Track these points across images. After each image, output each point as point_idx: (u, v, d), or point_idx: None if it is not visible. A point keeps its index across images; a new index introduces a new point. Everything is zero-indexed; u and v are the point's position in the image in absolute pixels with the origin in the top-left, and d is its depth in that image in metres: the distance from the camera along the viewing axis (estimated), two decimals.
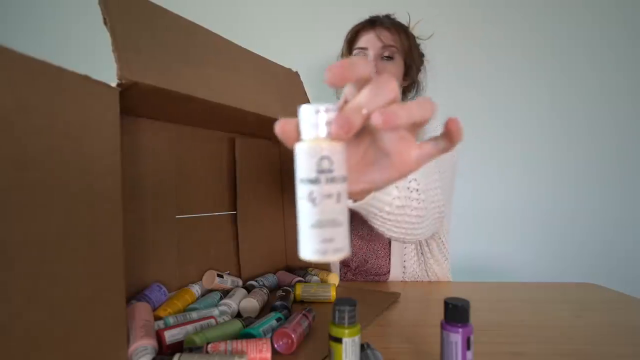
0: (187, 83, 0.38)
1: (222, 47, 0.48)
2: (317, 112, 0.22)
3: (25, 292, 0.23)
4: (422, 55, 0.94)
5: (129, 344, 0.35)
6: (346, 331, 0.33)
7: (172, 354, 0.33)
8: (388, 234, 0.53)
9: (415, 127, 0.25)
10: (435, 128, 0.79)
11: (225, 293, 0.54)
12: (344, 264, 0.84)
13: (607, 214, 1.23)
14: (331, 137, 0.22)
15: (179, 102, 0.41)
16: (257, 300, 0.50)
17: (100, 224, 0.28)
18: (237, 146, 0.62)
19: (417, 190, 0.52)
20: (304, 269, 0.69)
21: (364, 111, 0.22)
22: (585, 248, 1.23)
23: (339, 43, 0.94)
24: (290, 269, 0.71)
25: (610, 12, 1.22)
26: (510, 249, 1.25)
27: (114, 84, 0.31)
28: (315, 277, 0.64)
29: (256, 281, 0.59)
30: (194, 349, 0.35)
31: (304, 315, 0.44)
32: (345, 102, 0.25)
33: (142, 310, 0.40)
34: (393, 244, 0.80)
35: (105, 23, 0.33)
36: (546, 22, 1.23)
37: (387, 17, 0.89)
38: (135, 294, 0.46)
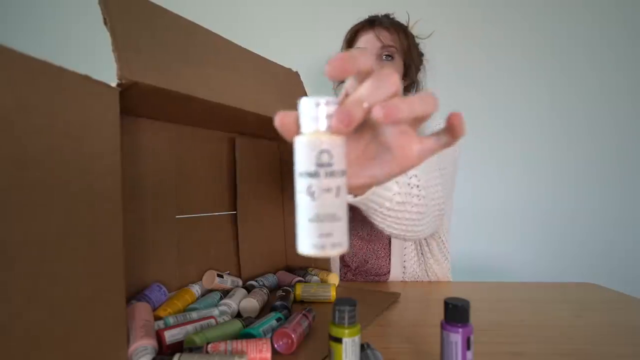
0: (187, 83, 0.38)
1: (222, 47, 0.48)
2: (318, 105, 0.22)
3: (25, 292, 0.23)
4: (421, 54, 0.94)
5: (129, 344, 0.35)
6: (346, 331, 0.33)
7: (172, 354, 0.33)
8: (388, 230, 0.53)
9: (417, 122, 0.25)
10: (436, 125, 0.79)
11: (225, 293, 0.54)
12: (344, 264, 0.84)
13: (607, 214, 1.23)
14: (331, 130, 0.21)
15: (179, 102, 0.41)
16: (257, 300, 0.50)
17: (100, 224, 0.28)
18: (237, 146, 0.62)
19: (418, 186, 0.52)
20: (304, 269, 0.69)
21: (365, 104, 0.22)
22: (585, 248, 1.23)
23: (339, 43, 0.94)
24: (290, 269, 0.71)
25: (610, 12, 1.22)
26: (510, 249, 1.25)
27: (114, 84, 0.31)
28: (315, 277, 0.64)
29: (256, 281, 0.59)
30: (194, 349, 0.35)
31: (304, 315, 0.44)
32: (346, 95, 0.25)
33: (142, 310, 0.40)
34: (393, 244, 0.80)
35: (105, 23, 0.33)
36: (546, 21, 1.23)
37: (386, 16, 0.89)
38: (135, 294, 0.46)
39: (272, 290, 0.62)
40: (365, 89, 0.22)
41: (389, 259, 0.80)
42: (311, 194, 0.21)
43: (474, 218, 1.25)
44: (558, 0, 1.23)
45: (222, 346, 0.35)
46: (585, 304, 0.59)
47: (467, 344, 0.33)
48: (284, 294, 0.52)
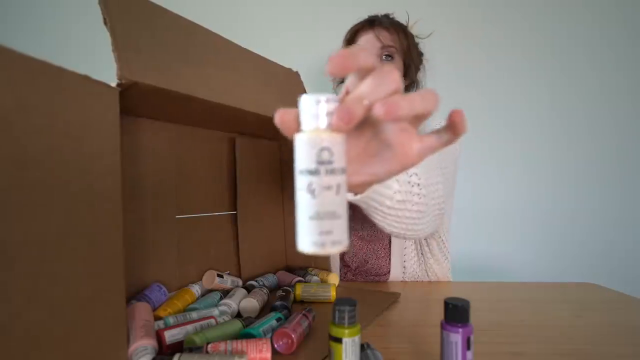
0: (187, 83, 0.38)
1: (222, 46, 0.48)
2: (318, 102, 0.21)
3: (25, 292, 0.23)
4: (421, 54, 0.94)
5: (129, 344, 0.35)
6: (346, 331, 0.33)
7: (172, 354, 0.33)
8: (389, 229, 0.52)
9: (418, 119, 0.24)
10: (436, 125, 0.79)
11: (225, 293, 0.54)
12: (344, 264, 0.84)
13: (607, 214, 1.23)
14: (332, 128, 0.21)
15: (179, 102, 0.41)
16: (257, 300, 0.50)
17: (100, 224, 0.28)
18: (237, 146, 0.62)
19: (419, 184, 0.51)
20: (304, 269, 0.69)
21: (366, 102, 0.21)
22: (585, 248, 1.23)
23: (339, 42, 0.94)
24: (290, 269, 0.71)
25: (610, 12, 1.22)
26: (510, 249, 1.25)
27: (114, 84, 0.31)
28: (315, 277, 0.64)
29: (256, 281, 0.59)
30: (194, 349, 0.35)
31: (304, 315, 0.44)
32: (347, 92, 0.25)
33: (142, 310, 0.40)
34: (393, 244, 0.80)
35: (105, 23, 0.33)
36: (546, 21, 1.23)
37: (386, 16, 0.89)
38: (135, 294, 0.46)
39: (272, 290, 0.62)
40: (366, 86, 0.22)
41: (389, 259, 0.80)
42: (311, 191, 0.21)
43: (474, 218, 1.25)
44: (558, 0, 1.23)
45: (222, 346, 0.35)
46: (585, 304, 0.59)
47: (467, 344, 0.33)
48: (284, 294, 0.52)
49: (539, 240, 1.24)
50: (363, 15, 0.90)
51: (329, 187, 0.21)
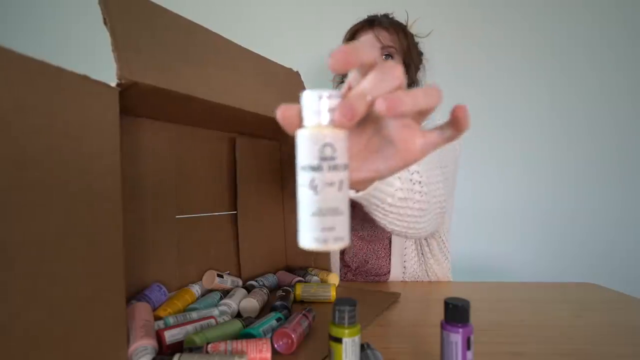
0: (187, 83, 0.38)
1: (222, 46, 0.48)
2: (320, 98, 0.21)
3: (24, 292, 0.23)
4: (420, 53, 0.94)
5: (129, 344, 0.34)
6: (346, 331, 0.33)
7: (172, 354, 0.33)
8: (390, 227, 0.52)
9: (421, 115, 0.24)
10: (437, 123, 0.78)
11: (225, 293, 0.54)
12: (344, 264, 0.84)
13: (607, 214, 1.23)
14: (334, 124, 0.21)
15: (179, 102, 0.41)
16: (257, 300, 0.50)
17: (100, 224, 0.28)
18: (237, 146, 0.62)
19: (420, 182, 0.51)
20: (304, 269, 0.69)
21: (368, 98, 0.21)
22: (586, 248, 1.23)
23: (340, 42, 0.94)
24: (290, 269, 0.71)
25: (610, 12, 1.22)
26: (510, 249, 1.25)
27: (113, 84, 0.31)
28: (315, 277, 0.64)
29: (256, 281, 0.59)
30: (194, 349, 0.35)
31: (304, 315, 0.44)
32: (349, 88, 0.25)
33: (142, 310, 0.40)
34: (393, 244, 0.80)
35: (105, 23, 0.33)
36: (546, 21, 1.23)
37: (386, 16, 0.89)
38: (135, 294, 0.46)
39: (272, 290, 0.62)
40: (368, 81, 0.22)
41: (389, 259, 0.80)
42: (314, 187, 0.21)
43: (474, 218, 1.25)
44: (558, 0, 1.23)
45: (222, 346, 0.35)
46: (585, 304, 0.59)
47: (467, 344, 0.33)
48: (284, 294, 0.52)
49: (539, 240, 1.24)
50: (363, 15, 0.90)
51: (331, 184, 0.21)
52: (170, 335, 0.38)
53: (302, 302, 0.57)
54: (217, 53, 0.46)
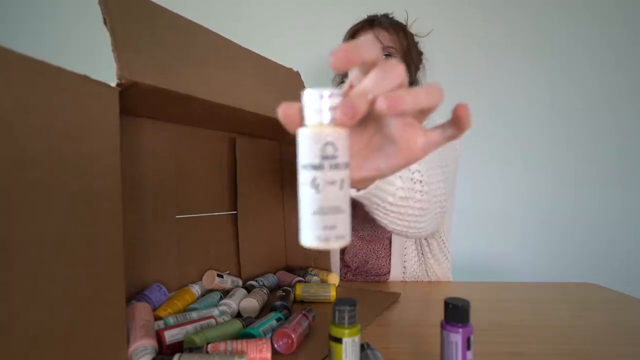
0: (187, 83, 0.38)
1: (222, 46, 0.48)
2: (321, 97, 0.21)
3: (24, 292, 0.23)
4: (420, 53, 0.94)
5: (129, 344, 0.34)
6: (346, 331, 0.33)
7: (172, 354, 0.33)
8: (391, 226, 0.52)
9: (423, 114, 0.24)
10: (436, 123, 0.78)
11: (225, 293, 0.54)
12: (344, 264, 0.84)
13: (607, 214, 1.23)
14: (335, 122, 0.21)
15: (179, 102, 0.41)
16: (257, 300, 0.50)
17: (100, 224, 0.28)
18: (237, 146, 0.62)
19: (421, 181, 0.51)
20: (304, 269, 0.69)
21: (370, 96, 0.21)
22: (586, 248, 1.23)
23: (340, 42, 0.94)
24: (290, 269, 0.71)
25: (610, 12, 1.22)
26: (510, 249, 1.25)
27: (113, 84, 0.31)
28: (315, 277, 0.64)
29: (256, 281, 0.59)
30: (194, 349, 0.35)
31: (304, 315, 0.44)
32: (351, 87, 0.25)
33: (142, 310, 0.40)
34: (393, 244, 0.80)
35: (105, 23, 0.33)
36: (546, 21, 1.23)
37: (385, 16, 0.89)
38: (135, 294, 0.46)
39: (272, 290, 0.62)
40: (370, 80, 0.22)
41: (389, 259, 0.80)
42: (315, 186, 0.21)
43: (474, 218, 1.25)
44: (558, 0, 1.23)
45: (222, 346, 0.35)
46: (585, 304, 0.59)
47: (467, 344, 0.33)
48: (284, 294, 0.52)
49: (539, 240, 1.24)
50: (362, 15, 0.90)
51: (332, 182, 0.21)
52: (170, 335, 0.38)
53: (302, 302, 0.57)
54: (217, 53, 0.46)
